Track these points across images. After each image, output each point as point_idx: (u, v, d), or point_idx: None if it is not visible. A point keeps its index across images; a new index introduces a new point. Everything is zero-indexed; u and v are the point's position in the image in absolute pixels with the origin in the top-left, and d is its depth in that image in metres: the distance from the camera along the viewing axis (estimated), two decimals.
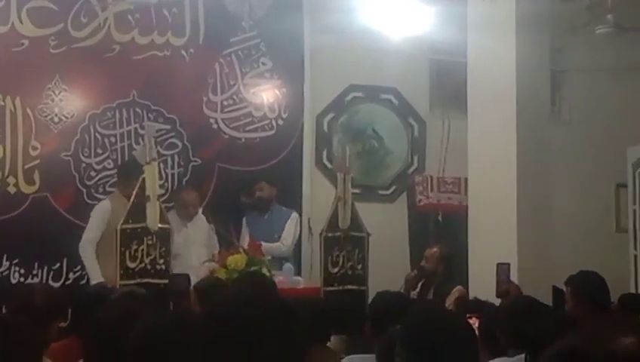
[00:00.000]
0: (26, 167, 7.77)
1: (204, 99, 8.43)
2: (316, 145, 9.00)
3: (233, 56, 8.55)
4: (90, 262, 7.24)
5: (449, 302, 7.19)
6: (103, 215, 7.30)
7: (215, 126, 8.47)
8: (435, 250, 7.86)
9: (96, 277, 7.13)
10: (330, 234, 7.11)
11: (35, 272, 7.72)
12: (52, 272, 7.77)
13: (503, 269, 5.79)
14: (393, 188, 9.35)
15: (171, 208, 7.76)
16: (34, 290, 4.49)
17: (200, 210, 7.82)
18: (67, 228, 7.73)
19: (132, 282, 6.15)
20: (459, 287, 7.31)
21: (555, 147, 6.97)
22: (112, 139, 8.08)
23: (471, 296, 6.20)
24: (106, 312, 3.53)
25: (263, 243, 7.46)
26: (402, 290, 7.01)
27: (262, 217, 8.12)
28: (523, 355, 4.04)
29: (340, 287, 7.03)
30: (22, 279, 7.65)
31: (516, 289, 5.63)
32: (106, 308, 3.69)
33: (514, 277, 5.98)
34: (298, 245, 8.37)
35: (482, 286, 5.92)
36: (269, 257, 7.43)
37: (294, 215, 8.20)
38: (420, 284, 7.51)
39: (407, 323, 3.02)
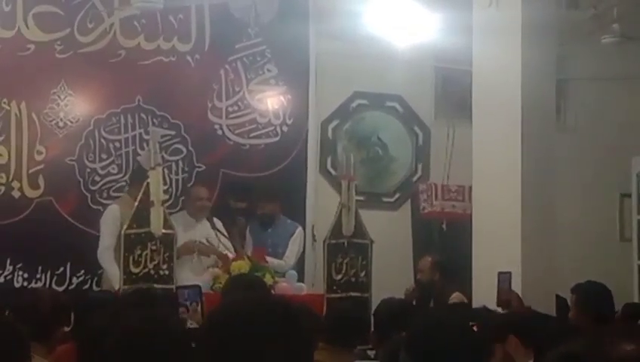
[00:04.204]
0: (31, 171, 7.78)
1: (209, 105, 8.44)
2: (321, 151, 9.00)
3: (238, 63, 8.56)
4: (111, 269, 7.15)
5: None
6: (113, 220, 7.25)
7: (220, 132, 8.48)
8: (427, 259, 7.88)
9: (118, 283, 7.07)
10: (333, 241, 7.11)
11: (38, 276, 7.72)
12: (55, 277, 7.77)
13: (504, 278, 5.78)
14: (397, 195, 9.35)
15: (178, 210, 7.77)
16: (40, 295, 4.50)
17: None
18: (71, 232, 7.74)
19: (135, 287, 6.14)
20: (457, 294, 7.32)
21: (560, 156, 6.96)
22: (117, 145, 8.09)
23: (474, 304, 6.19)
24: (97, 318, 3.53)
25: (267, 258, 7.44)
26: None
27: (265, 230, 8.08)
28: None
29: (343, 294, 7.02)
30: (25, 283, 7.66)
31: (517, 298, 5.63)
32: (99, 314, 3.69)
33: (518, 285, 5.97)
34: (301, 252, 8.35)
35: (486, 294, 5.91)
36: None
37: (299, 231, 8.12)
38: (419, 298, 7.52)
39: (411, 330, 3.02)
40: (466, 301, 7.17)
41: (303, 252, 8.31)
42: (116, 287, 6.58)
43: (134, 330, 2.79)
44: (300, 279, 7.72)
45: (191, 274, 7.00)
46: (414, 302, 7.37)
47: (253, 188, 8.25)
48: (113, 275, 6.98)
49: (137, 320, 2.89)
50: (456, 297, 7.32)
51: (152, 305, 4.55)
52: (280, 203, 8.14)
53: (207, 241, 7.31)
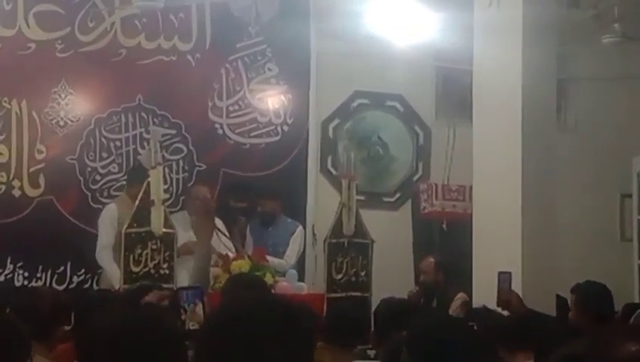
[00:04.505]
0: (31, 170, 7.78)
1: (210, 104, 8.45)
2: (321, 151, 9.00)
3: (239, 62, 8.56)
4: (109, 267, 7.17)
5: (453, 309, 7.19)
6: (110, 220, 7.27)
7: (220, 131, 8.48)
8: (430, 260, 7.87)
9: (118, 282, 7.07)
10: (334, 241, 7.11)
11: (39, 275, 7.72)
12: (56, 276, 7.78)
13: (504, 278, 5.76)
14: (398, 195, 9.35)
15: (179, 210, 7.76)
16: (41, 295, 4.49)
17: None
18: (71, 231, 7.74)
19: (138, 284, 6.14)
20: (461, 294, 7.31)
21: (561, 156, 6.96)
22: (118, 143, 8.09)
23: (475, 304, 6.18)
24: (96, 317, 3.53)
25: (267, 257, 7.44)
26: None
27: (266, 229, 8.08)
28: None
29: (344, 294, 7.02)
30: (26, 282, 7.66)
31: (517, 298, 5.61)
32: (99, 313, 3.68)
33: (518, 285, 5.95)
34: (302, 251, 8.35)
35: (486, 294, 5.90)
36: None
37: (299, 229, 8.13)
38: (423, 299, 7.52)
39: (413, 329, 3.02)
40: (469, 301, 7.17)
41: (304, 251, 8.31)
42: (116, 286, 6.58)
43: (124, 329, 2.78)
44: (301, 278, 7.72)
45: (188, 274, 7.00)
46: (420, 303, 7.36)
47: (254, 187, 8.25)
48: (112, 275, 6.98)
49: (130, 319, 2.89)
50: (460, 297, 7.31)
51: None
52: (281, 201, 8.15)
53: None
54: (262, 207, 8.07)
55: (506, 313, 5.40)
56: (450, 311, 7.10)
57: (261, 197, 8.10)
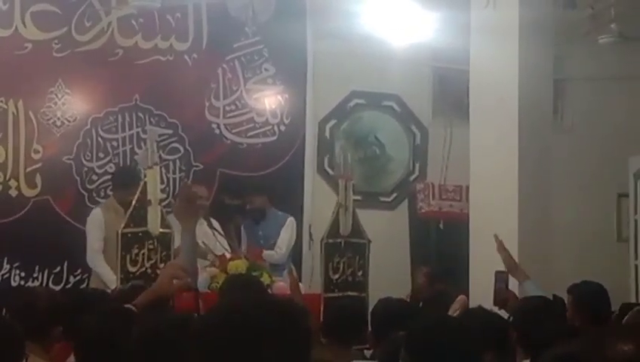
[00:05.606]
0: (28, 170, 7.77)
1: (207, 104, 8.44)
2: (318, 151, 9.01)
3: (236, 62, 8.56)
4: (103, 270, 7.18)
5: (451, 311, 7.18)
6: (99, 223, 7.31)
7: (217, 131, 8.48)
8: (422, 278, 7.93)
9: (114, 283, 7.08)
10: (330, 241, 7.10)
11: (35, 275, 7.71)
12: (53, 276, 7.77)
13: (501, 277, 5.77)
14: (394, 195, 9.36)
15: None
16: (37, 295, 4.48)
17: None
18: (68, 231, 7.73)
19: (130, 284, 6.13)
20: (461, 296, 7.30)
21: (557, 156, 6.97)
22: (114, 143, 8.09)
23: (472, 304, 6.18)
24: (93, 317, 3.53)
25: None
26: None
27: (257, 225, 8.10)
28: None
29: (340, 294, 7.02)
30: (22, 282, 7.65)
31: (514, 297, 5.61)
32: (95, 313, 3.69)
33: (515, 285, 5.96)
34: (299, 251, 8.36)
35: (483, 294, 5.90)
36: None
37: (290, 220, 8.16)
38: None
39: (413, 329, 3.02)
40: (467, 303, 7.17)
41: (301, 251, 8.31)
42: (112, 287, 6.57)
43: (158, 331, 2.79)
44: (298, 279, 7.71)
45: None
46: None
47: (245, 184, 8.27)
48: (108, 277, 7.00)
49: (159, 322, 2.90)
50: (459, 300, 7.29)
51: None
52: (267, 196, 8.15)
53: (204, 244, 7.30)
54: (250, 204, 8.10)
55: (502, 312, 5.40)
56: (450, 313, 7.09)
57: (249, 193, 8.13)
